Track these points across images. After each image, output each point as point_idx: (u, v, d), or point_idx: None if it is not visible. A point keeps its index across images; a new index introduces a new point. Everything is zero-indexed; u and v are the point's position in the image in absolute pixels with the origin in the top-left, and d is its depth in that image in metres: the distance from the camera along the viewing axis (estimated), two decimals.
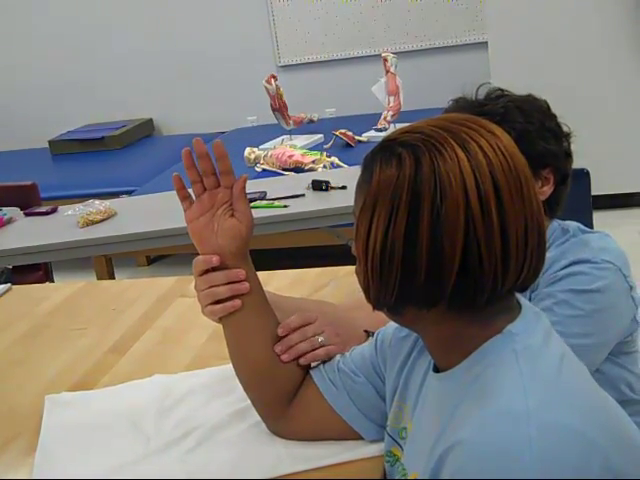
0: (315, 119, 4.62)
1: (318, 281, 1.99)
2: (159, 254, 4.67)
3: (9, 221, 3.15)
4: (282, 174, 3.85)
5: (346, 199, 2.82)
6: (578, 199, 2.35)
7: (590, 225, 2.19)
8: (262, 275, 1.34)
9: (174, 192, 1.30)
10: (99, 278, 4.05)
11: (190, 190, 1.30)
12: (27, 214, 3.24)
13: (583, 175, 2.42)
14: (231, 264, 1.28)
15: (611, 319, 1.43)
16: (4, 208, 3.20)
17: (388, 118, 4.46)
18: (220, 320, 1.32)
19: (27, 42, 5.83)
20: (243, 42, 5.50)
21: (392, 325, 1.24)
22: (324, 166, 3.75)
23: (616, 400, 1.03)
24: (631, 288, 1.45)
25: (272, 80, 4.34)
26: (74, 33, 5.73)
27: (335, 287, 1.93)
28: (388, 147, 1.00)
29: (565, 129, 1.52)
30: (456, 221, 0.94)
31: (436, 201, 0.94)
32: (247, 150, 4.14)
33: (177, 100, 5.74)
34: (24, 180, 3.53)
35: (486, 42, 4.47)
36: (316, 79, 5.45)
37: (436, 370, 1.08)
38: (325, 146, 4.37)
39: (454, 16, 5.16)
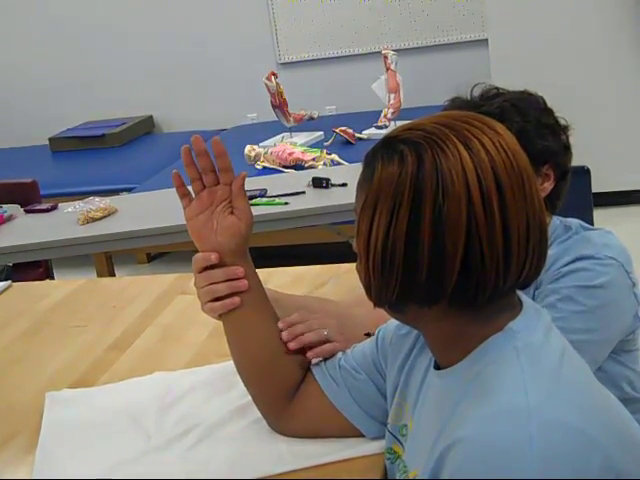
0: (315, 116, 4.62)
1: (318, 278, 1.99)
2: (159, 251, 4.67)
3: (9, 218, 3.15)
4: (282, 171, 3.85)
5: (346, 196, 2.82)
6: (579, 197, 2.35)
7: (591, 223, 2.19)
8: (262, 273, 1.34)
9: (174, 189, 1.30)
10: (99, 275, 4.05)
11: (190, 187, 1.30)
12: (27, 211, 3.24)
13: (584, 173, 2.42)
14: (230, 261, 1.28)
15: (614, 315, 1.43)
16: (4, 205, 3.19)
17: (388, 115, 4.46)
18: (220, 317, 1.32)
19: (27, 40, 5.82)
20: (243, 39, 5.49)
21: (393, 322, 1.24)
22: (324, 163, 3.75)
23: (618, 398, 1.03)
24: (634, 285, 1.46)
25: (272, 77, 4.34)
26: (74, 31, 5.72)
27: (335, 284, 1.93)
28: (390, 144, 0.99)
29: (563, 122, 1.51)
30: (458, 219, 0.94)
31: (438, 198, 0.94)
32: (247, 147, 4.14)
33: (177, 97, 5.73)
34: (24, 177, 3.53)
35: (486, 40, 4.47)
36: (316, 76, 5.45)
37: (437, 367, 1.08)
38: (325, 143, 4.37)
39: (455, 13, 5.16)
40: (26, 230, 3.07)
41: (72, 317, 1.98)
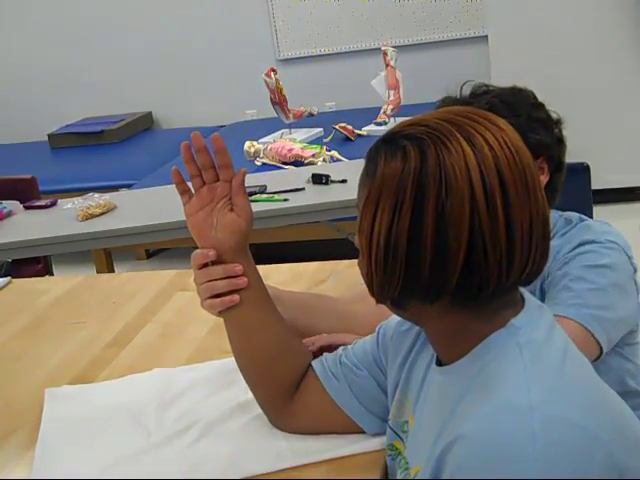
0: (315, 113, 4.61)
1: (318, 275, 1.99)
2: (158, 247, 4.67)
3: (8, 214, 3.14)
4: (282, 168, 3.84)
5: (346, 193, 2.82)
6: (578, 193, 2.35)
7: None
8: (262, 269, 1.34)
9: (173, 186, 1.30)
10: (99, 271, 4.04)
11: (190, 184, 1.30)
12: (26, 207, 3.23)
13: (583, 169, 2.41)
14: (230, 258, 1.28)
15: (624, 296, 1.44)
16: (3, 201, 3.19)
17: (388, 112, 4.45)
18: (220, 314, 1.32)
19: (26, 36, 5.81)
20: (243, 36, 5.49)
21: (394, 319, 1.24)
22: (324, 160, 3.74)
23: (619, 392, 1.03)
24: (635, 271, 1.48)
25: (272, 74, 4.33)
26: (73, 27, 5.72)
27: (335, 281, 1.93)
28: (393, 140, 0.99)
29: (555, 116, 1.52)
30: (461, 215, 0.93)
31: (441, 194, 0.94)
32: (247, 144, 4.13)
33: (176, 94, 5.73)
34: (23, 173, 3.53)
35: (486, 36, 4.46)
36: (316, 73, 5.44)
37: (439, 364, 1.07)
38: (325, 140, 4.36)
39: (454, 10, 5.15)
40: (25, 226, 3.06)
41: (71, 313, 1.98)
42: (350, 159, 3.56)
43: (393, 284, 0.99)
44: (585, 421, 0.90)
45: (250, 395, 1.36)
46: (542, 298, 1.44)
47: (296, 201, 2.94)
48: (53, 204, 3.23)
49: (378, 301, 1.04)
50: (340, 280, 1.92)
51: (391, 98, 4.46)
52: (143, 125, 5.70)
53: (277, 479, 1.24)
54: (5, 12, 5.83)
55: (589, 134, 4.06)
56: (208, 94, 5.65)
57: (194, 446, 1.33)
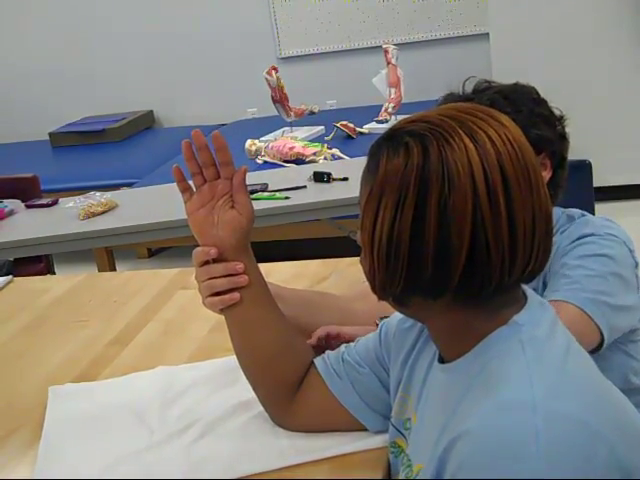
0: (316, 111, 4.61)
1: (320, 273, 1.99)
2: (160, 246, 4.67)
3: (10, 213, 3.14)
4: (283, 166, 3.84)
5: (348, 190, 2.82)
6: (580, 191, 2.35)
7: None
8: (263, 267, 1.34)
9: (175, 184, 1.30)
10: (100, 270, 4.04)
11: (190, 182, 1.30)
12: (28, 206, 3.23)
13: (585, 167, 2.41)
14: (231, 256, 1.28)
15: (624, 285, 1.43)
16: (5, 200, 3.19)
17: (389, 110, 4.45)
18: (221, 312, 1.32)
19: (27, 35, 5.81)
20: (244, 34, 5.48)
21: (396, 316, 1.24)
22: (325, 158, 3.74)
23: (622, 389, 1.03)
24: (636, 265, 1.47)
25: (273, 72, 4.33)
26: (74, 25, 5.72)
27: (337, 278, 1.93)
28: (395, 136, 0.99)
29: (557, 113, 1.52)
30: (464, 211, 0.93)
31: (444, 191, 0.94)
32: (248, 142, 4.13)
33: (177, 92, 5.73)
34: (25, 172, 3.53)
35: (487, 34, 4.46)
36: (317, 71, 5.44)
37: (441, 361, 1.07)
38: (326, 138, 4.36)
39: (455, 7, 5.15)
40: (27, 225, 3.06)
41: (73, 312, 1.98)
42: (351, 157, 3.56)
43: (395, 281, 0.99)
44: (587, 417, 0.90)
45: (252, 393, 1.36)
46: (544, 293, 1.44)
47: (297, 199, 2.94)
48: (54, 203, 3.23)
49: (380, 298, 1.04)
50: (342, 278, 1.92)
51: (392, 96, 4.46)
52: (144, 124, 5.70)
53: (279, 478, 1.24)
54: (6, 11, 5.82)
55: (591, 131, 4.06)
56: (209, 92, 5.65)
57: (196, 444, 1.33)
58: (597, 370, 1.01)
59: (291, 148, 3.91)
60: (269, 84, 4.35)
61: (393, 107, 4.45)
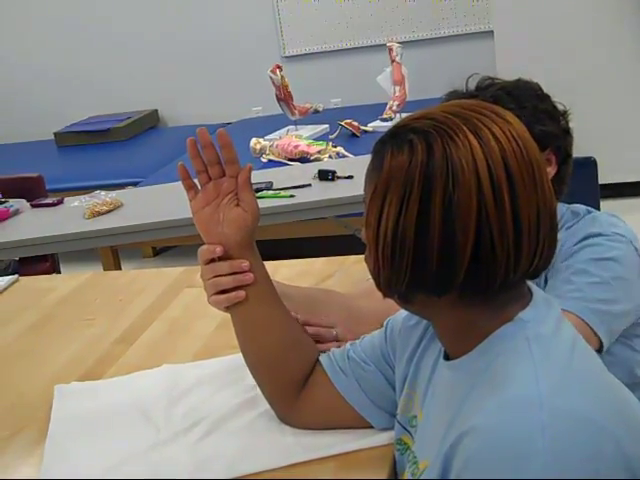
0: (320, 109, 4.61)
1: (325, 271, 1.99)
2: (165, 245, 4.68)
3: (15, 213, 3.15)
4: (288, 164, 3.84)
5: (352, 189, 2.82)
6: (585, 188, 2.34)
7: None
8: (269, 265, 1.34)
9: (180, 183, 1.30)
10: (105, 269, 4.05)
11: (196, 180, 1.30)
12: (33, 206, 3.24)
13: (590, 164, 2.41)
14: (237, 254, 1.28)
15: (628, 289, 1.43)
16: (10, 200, 3.20)
17: (394, 108, 4.45)
18: (227, 309, 1.32)
19: (31, 35, 5.82)
20: (248, 33, 5.49)
21: (402, 313, 1.24)
22: (330, 156, 3.75)
23: (628, 383, 1.03)
24: None
25: (277, 70, 4.33)
26: (78, 25, 5.73)
27: (342, 277, 1.93)
28: (399, 133, 0.99)
29: (560, 108, 1.51)
30: (468, 208, 0.93)
31: (448, 188, 0.94)
32: (253, 141, 4.13)
33: (182, 91, 5.73)
34: (30, 172, 3.54)
35: (492, 31, 4.46)
36: (321, 69, 5.44)
37: (447, 358, 1.07)
38: (331, 136, 4.36)
39: (459, 5, 5.15)
40: (32, 224, 3.07)
41: (79, 311, 1.98)
42: (356, 155, 3.56)
43: (400, 278, 0.99)
44: (593, 414, 0.90)
45: (258, 391, 1.36)
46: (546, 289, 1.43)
47: (302, 197, 2.94)
48: (60, 202, 3.24)
49: (385, 295, 1.04)
50: (347, 276, 1.92)
51: (397, 94, 4.46)
52: (149, 123, 5.71)
53: (285, 475, 1.24)
54: (11, 12, 5.83)
55: (596, 128, 4.05)
56: (214, 91, 5.65)
57: (202, 442, 1.33)
58: (603, 366, 1.01)
59: (296, 146, 3.91)
60: (273, 83, 4.35)
61: (397, 105, 4.44)
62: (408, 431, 1.18)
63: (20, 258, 3.24)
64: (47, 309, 2.02)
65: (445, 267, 0.95)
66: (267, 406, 1.36)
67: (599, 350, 1.39)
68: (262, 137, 4.27)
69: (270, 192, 2.98)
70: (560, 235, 1.43)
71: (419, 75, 4.74)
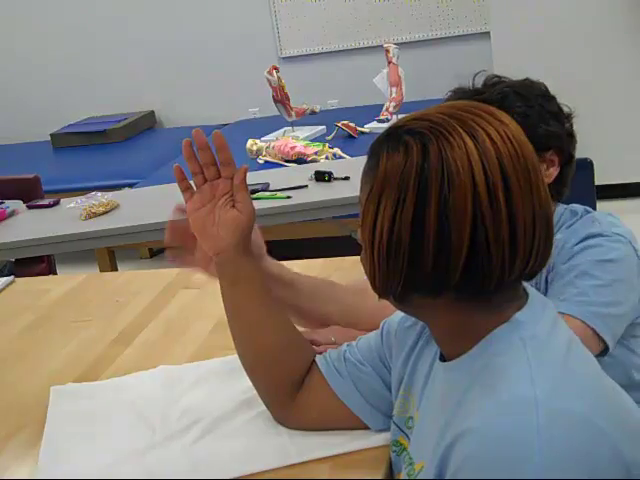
0: (317, 110, 4.61)
1: (322, 272, 1.98)
2: (161, 246, 4.66)
3: (12, 214, 3.15)
4: (284, 165, 3.84)
5: (349, 190, 2.82)
6: (582, 189, 2.34)
7: None
8: None
9: (176, 184, 1.30)
10: (102, 271, 4.04)
11: (191, 181, 1.30)
12: (29, 207, 3.24)
13: (586, 165, 2.41)
14: (232, 255, 1.28)
15: (629, 290, 1.44)
16: (6, 201, 3.20)
17: (390, 109, 4.45)
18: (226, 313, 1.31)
19: (28, 36, 5.81)
20: (245, 34, 5.48)
21: (398, 315, 1.24)
22: (326, 157, 3.75)
23: (625, 385, 1.03)
24: None
25: (274, 71, 4.33)
26: (75, 26, 5.72)
27: (339, 278, 1.93)
28: (395, 134, 0.99)
29: (566, 110, 1.52)
30: (464, 209, 0.93)
31: (444, 189, 0.94)
32: (249, 142, 4.13)
33: (179, 92, 5.73)
34: (26, 173, 3.53)
35: (488, 32, 4.46)
36: (318, 70, 5.44)
37: (443, 359, 1.07)
38: (327, 137, 4.36)
39: (456, 6, 5.15)
40: (28, 225, 3.07)
41: (75, 312, 1.98)
42: (353, 156, 3.56)
43: (396, 279, 0.99)
44: (589, 415, 0.90)
45: (254, 392, 1.36)
46: (547, 290, 1.43)
47: (299, 198, 2.94)
48: (56, 203, 3.24)
49: (381, 296, 1.04)
50: (344, 277, 1.91)
51: (393, 95, 4.46)
52: (146, 124, 5.70)
53: (281, 476, 1.24)
54: (8, 12, 5.83)
55: (592, 130, 4.04)
56: (210, 93, 5.65)
57: (198, 443, 1.33)
58: (599, 367, 1.01)
59: (292, 148, 3.91)
60: (270, 84, 4.35)
61: (394, 106, 4.45)
62: (404, 432, 1.18)
63: (16, 259, 3.23)
64: (43, 310, 2.02)
65: (440, 268, 0.95)
66: (263, 407, 1.36)
67: (603, 353, 1.39)
68: (259, 138, 4.26)
69: (267, 193, 2.98)
70: (560, 234, 1.44)
71: (416, 76, 4.75)
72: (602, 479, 0.88)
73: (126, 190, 3.94)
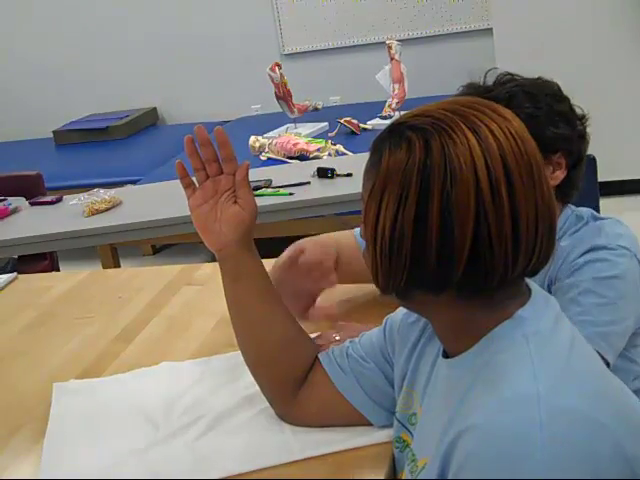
0: (320, 107, 4.61)
1: None
2: (164, 243, 4.68)
3: (14, 211, 3.15)
4: (287, 162, 3.84)
5: (352, 186, 2.81)
6: (585, 186, 2.34)
7: (597, 212, 2.19)
8: (268, 263, 1.34)
9: (178, 181, 1.30)
10: (104, 267, 4.04)
11: (194, 178, 1.30)
12: (32, 204, 3.24)
13: (589, 161, 2.40)
14: (234, 251, 1.28)
15: (632, 305, 1.42)
16: (9, 198, 3.20)
17: (393, 106, 4.45)
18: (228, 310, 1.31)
19: (30, 33, 5.81)
20: (247, 30, 5.48)
21: (401, 311, 1.24)
22: (329, 154, 3.74)
23: None
24: None
25: (276, 68, 4.33)
26: (77, 23, 5.72)
27: None
28: (397, 131, 0.99)
29: (579, 111, 1.49)
30: (466, 205, 0.93)
31: (446, 185, 0.93)
32: (252, 139, 4.13)
33: (181, 89, 5.73)
34: (29, 170, 3.53)
35: (491, 29, 4.45)
36: (320, 67, 5.44)
37: (445, 356, 1.07)
38: (330, 134, 4.36)
39: (458, 3, 5.14)
40: (31, 222, 3.07)
41: (78, 309, 1.98)
42: (355, 153, 3.56)
43: (399, 275, 0.98)
44: (592, 411, 0.90)
45: (256, 389, 1.36)
46: None
47: (301, 195, 2.94)
48: (59, 200, 3.24)
49: (383, 292, 1.04)
50: None
51: (396, 92, 4.45)
52: (148, 121, 5.71)
53: (283, 472, 1.24)
54: (9, 9, 5.83)
55: (595, 126, 4.04)
56: (213, 89, 5.65)
57: (201, 440, 1.33)
58: (602, 364, 1.01)
59: (295, 144, 3.91)
60: (272, 80, 4.35)
61: (397, 103, 4.44)
62: (407, 429, 1.18)
63: (19, 256, 3.23)
64: (46, 307, 2.02)
65: (443, 264, 0.95)
66: (266, 404, 1.36)
67: None
68: (261, 135, 4.26)
69: (269, 190, 2.98)
70: (564, 242, 1.41)
71: (418, 73, 4.74)
72: (604, 476, 0.88)
73: (129, 187, 3.94)
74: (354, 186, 2.70)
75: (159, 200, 3.14)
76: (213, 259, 1.40)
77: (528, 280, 1.04)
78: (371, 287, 1.08)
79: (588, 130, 1.53)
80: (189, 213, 1.31)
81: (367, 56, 5.21)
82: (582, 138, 1.49)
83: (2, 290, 2.17)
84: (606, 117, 4.15)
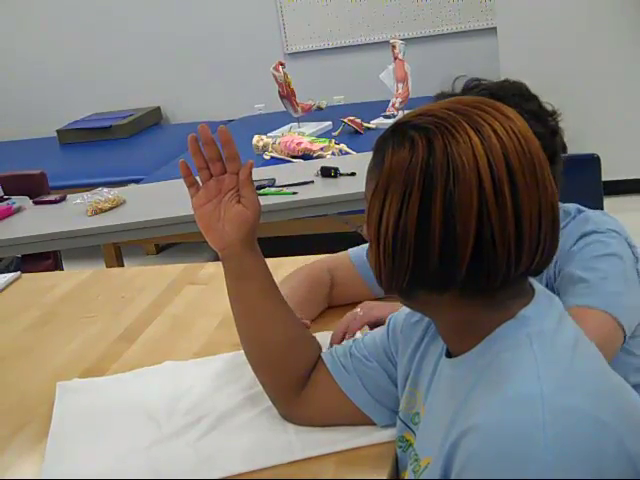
0: (323, 106, 4.61)
1: None
2: (167, 242, 4.68)
3: (18, 210, 3.15)
4: (290, 161, 3.84)
5: (355, 186, 2.81)
6: (588, 185, 2.34)
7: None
8: (271, 262, 1.34)
9: (182, 180, 1.30)
10: (108, 267, 4.05)
11: (197, 177, 1.29)
12: (36, 203, 3.24)
13: (593, 160, 2.40)
14: (238, 250, 1.28)
15: (632, 284, 1.43)
16: (13, 197, 3.20)
17: (397, 105, 4.44)
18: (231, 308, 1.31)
19: (33, 33, 5.82)
20: (251, 30, 5.48)
21: (404, 310, 1.24)
22: (333, 153, 3.74)
23: None
24: (637, 260, 1.47)
25: (280, 67, 4.33)
26: (81, 23, 5.72)
27: None
28: (400, 130, 0.99)
29: (549, 108, 1.50)
30: (469, 205, 0.93)
31: (449, 185, 0.93)
32: (255, 138, 4.13)
33: (184, 88, 5.73)
34: (33, 169, 3.54)
35: (495, 28, 4.45)
36: (324, 66, 5.43)
37: (449, 355, 1.07)
38: (334, 133, 4.36)
39: (462, 2, 5.13)
40: (35, 221, 3.07)
41: (81, 308, 1.99)
42: (359, 152, 3.55)
43: (402, 274, 0.98)
44: (595, 411, 0.90)
45: (260, 388, 1.36)
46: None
47: (305, 194, 2.93)
48: (62, 199, 3.24)
49: (387, 291, 1.04)
50: None
51: (400, 91, 4.45)
52: (152, 120, 5.71)
53: (286, 471, 1.24)
54: (13, 9, 5.83)
55: (599, 125, 4.05)
56: (216, 89, 5.65)
57: (204, 439, 1.33)
58: (605, 362, 1.01)
59: (298, 144, 3.90)
60: (276, 80, 4.35)
61: (400, 102, 4.44)
62: (410, 428, 1.18)
63: (22, 255, 3.23)
64: (49, 306, 2.02)
65: (446, 264, 0.95)
66: (269, 403, 1.36)
67: (623, 341, 1.38)
68: (265, 134, 4.26)
69: (272, 189, 2.97)
70: None
71: (422, 72, 4.73)
72: (608, 475, 0.88)
73: (132, 186, 3.94)
74: (358, 185, 2.69)
75: (162, 199, 3.14)
76: (216, 258, 1.40)
77: (532, 280, 1.04)
78: None
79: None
80: (192, 212, 1.30)
81: (371, 55, 5.21)
82: (555, 134, 1.50)
83: (6, 289, 2.17)
84: (610, 116, 4.16)
